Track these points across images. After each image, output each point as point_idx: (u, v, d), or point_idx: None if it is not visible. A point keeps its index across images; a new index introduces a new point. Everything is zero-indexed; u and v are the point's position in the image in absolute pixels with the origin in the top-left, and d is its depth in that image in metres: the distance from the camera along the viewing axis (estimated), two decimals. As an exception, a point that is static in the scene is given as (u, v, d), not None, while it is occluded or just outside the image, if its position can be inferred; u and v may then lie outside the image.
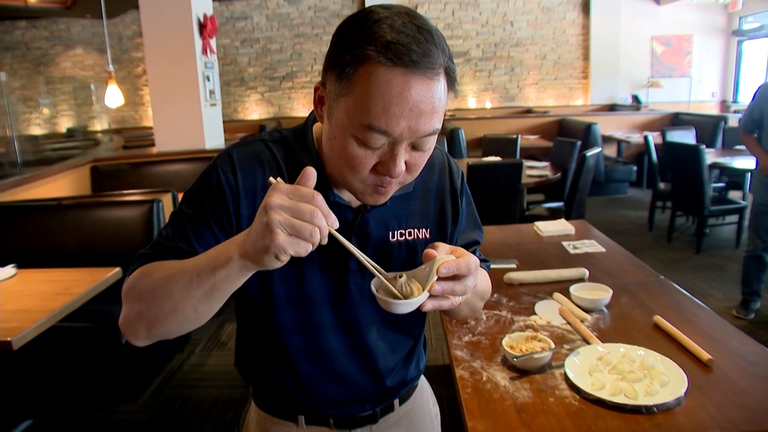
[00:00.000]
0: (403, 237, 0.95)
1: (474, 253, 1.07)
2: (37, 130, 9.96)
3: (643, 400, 1.20)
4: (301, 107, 9.42)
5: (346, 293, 0.92)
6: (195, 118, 4.80)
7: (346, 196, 0.89)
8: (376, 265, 0.77)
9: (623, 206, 6.56)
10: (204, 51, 4.77)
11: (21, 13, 9.05)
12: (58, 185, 4.14)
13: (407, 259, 0.96)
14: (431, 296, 0.73)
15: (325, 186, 0.86)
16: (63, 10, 8.37)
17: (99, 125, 9.88)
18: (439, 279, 0.73)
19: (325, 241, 0.65)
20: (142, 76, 9.25)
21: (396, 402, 1.07)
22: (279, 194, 0.63)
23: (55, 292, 2.20)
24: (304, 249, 0.63)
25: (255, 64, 9.31)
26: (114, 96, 4.02)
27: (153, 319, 0.76)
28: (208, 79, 4.89)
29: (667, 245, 4.99)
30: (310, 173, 0.65)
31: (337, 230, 0.87)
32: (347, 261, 0.90)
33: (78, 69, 9.76)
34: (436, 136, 0.79)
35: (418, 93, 0.72)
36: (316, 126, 0.91)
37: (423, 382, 1.18)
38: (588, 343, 1.50)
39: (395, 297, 0.74)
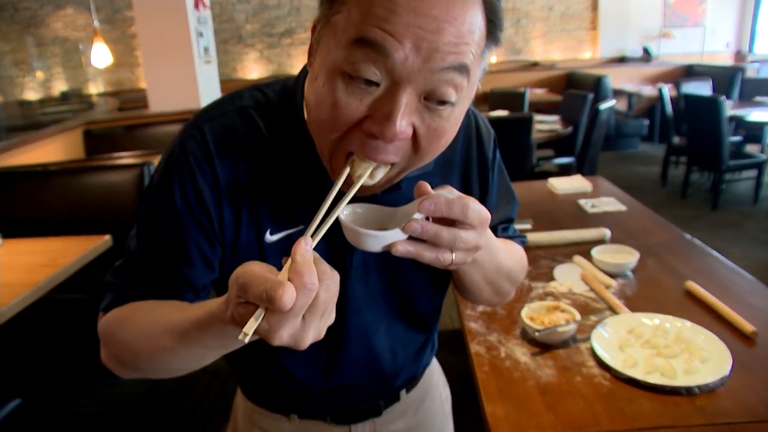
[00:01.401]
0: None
1: (507, 230, 0.89)
2: (31, 95, 9.72)
3: (682, 380, 1.07)
4: (300, 64, 9.00)
5: (348, 294, 0.75)
6: (189, 77, 4.60)
7: None
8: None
9: (634, 162, 6.36)
10: (196, 5, 4.53)
11: (7, -29, 8.70)
12: (49, 150, 3.98)
13: None
14: (409, 238, 0.55)
15: (318, 168, 0.66)
16: (50, -34, 8.01)
17: (95, 88, 9.62)
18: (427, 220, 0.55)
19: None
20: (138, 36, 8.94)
21: (402, 391, 0.94)
22: (283, 325, 0.46)
23: (40, 263, 2.08)
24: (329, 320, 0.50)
25: (252, 21, 8.98)
26: (101, 55, 3.81)
27: (148, 374, 0.68)
28: (202, 35, 4.65)
29: (682, 202, 4.82)
30: (290, 294, 0.44)
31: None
32: (350, 256, 0.73)
33: (70, 30, 9.44)
34: (469, 93, 0.57)
35: (440, 2, 0.51)
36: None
37: (433, 363, 1.04)
38: (615, 312, 1.36)
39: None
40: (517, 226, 1.96)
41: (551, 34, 9.22)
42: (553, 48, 9.27)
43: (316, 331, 0.48)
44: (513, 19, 9.09)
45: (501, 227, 0.88)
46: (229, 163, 0.67)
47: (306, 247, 0.46)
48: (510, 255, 0.79)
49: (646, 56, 8.69)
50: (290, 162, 0.68)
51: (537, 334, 1.24)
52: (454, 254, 0.57)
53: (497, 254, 0.72)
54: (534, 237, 1.83)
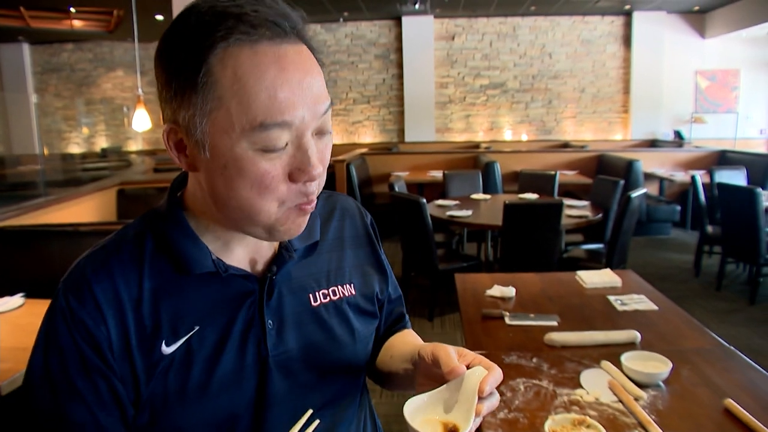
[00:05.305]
0: (328, 298, 0.77)
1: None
2: (75, 149, 10.17)
3: None
4: (335, 135, 9.36)
5: (266, 389, 0.72)
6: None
7: (243, 261, 0.72)
8: None
9: (666, 248, 6.21)
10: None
11: (68, 36, 9.32)
12: (83, 208, 4.08)
13: (342, 327, 0.77)
14: None
15: (208, 258, 0.69)
16: (106, 33, 8.57)
17: (135, 146, 10.02)
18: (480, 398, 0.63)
19: None
20: (179, 99, 9.34)
21: None
22: None
23: (58, 328, 2.07)
24: None
25: (290, 90, 9.34)
26: (141, 120, 3.98)
27: None
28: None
29: (716, 294, 4.64)
30: None
31: (242, 316, 0.73)
32: (263, 345, 0.71)
33: (118, 90, 9.97)
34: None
35: (296, 61, 0.60)
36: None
37: None
38: (647, 431, 1.26)
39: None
40: (543, 323, 1.90)
41: (582, 115, 9.35)
42: (584, 129, 9.36)
43: None
44: (545, 99, 9.27)
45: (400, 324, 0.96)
46: (107, 286, 0.66)
47: None
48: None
49: (678, 140, 8.69)
50: (174, 263, 0.69)
51: (561, 453, 1.15)
52: None
53: None
54: (560, 337, 1.75)
